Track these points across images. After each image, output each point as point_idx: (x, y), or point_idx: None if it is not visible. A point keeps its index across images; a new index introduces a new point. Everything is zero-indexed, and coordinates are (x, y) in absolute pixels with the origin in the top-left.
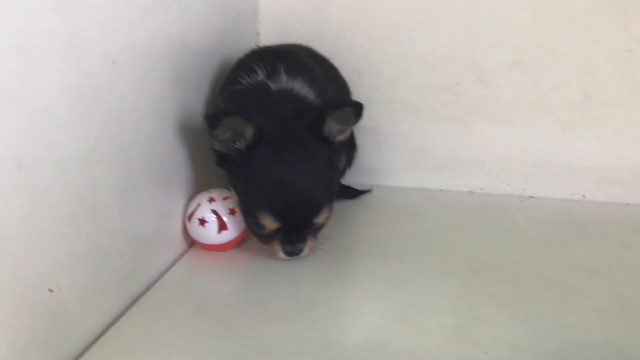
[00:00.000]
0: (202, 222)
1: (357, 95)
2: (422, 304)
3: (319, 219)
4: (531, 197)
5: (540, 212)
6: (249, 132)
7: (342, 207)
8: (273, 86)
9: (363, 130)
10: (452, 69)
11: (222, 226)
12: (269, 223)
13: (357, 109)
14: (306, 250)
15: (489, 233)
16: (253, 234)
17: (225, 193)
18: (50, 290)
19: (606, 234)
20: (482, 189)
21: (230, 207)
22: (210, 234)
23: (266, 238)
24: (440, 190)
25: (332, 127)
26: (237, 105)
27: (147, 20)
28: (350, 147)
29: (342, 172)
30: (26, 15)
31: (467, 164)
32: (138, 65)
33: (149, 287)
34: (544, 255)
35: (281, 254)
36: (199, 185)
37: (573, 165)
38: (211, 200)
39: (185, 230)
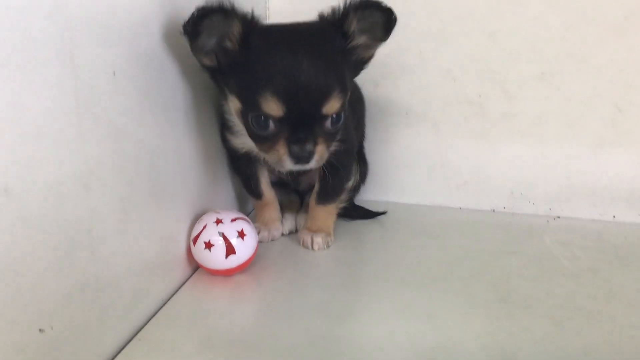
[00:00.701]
0: (209, 245)
1: (373, 107)
2: (451, 344)
3: (329, 107)
4: (558, 217)
5: (569, 234)
6: (235, 26)
7: (356, 227)
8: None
9: (378, 143)
10: (475, 80)
11: (229, 250)
12: (273, 108)
13: (389, 17)
14: (316, 157)
15: (517, 258)
16: (256, 143)
17: (234, 214)
18: (41, 331)
19: None
20: (505, 208)
21: (239, 230)
22: (216, 258)
23: (270, 141)
24: (460, 208)
25: (355, 26)
26: None
27: (151, 27)
28: (361, 162)
29: (356, 189)
30: (16, 22)
31: (489, 180)
32: (141, 75)
33: (149, 319)
34: (579, 283)
35: (287, 161)
36: (206, 202)
37: (603, 183)
38: (218, 221)
39: (189, 253)
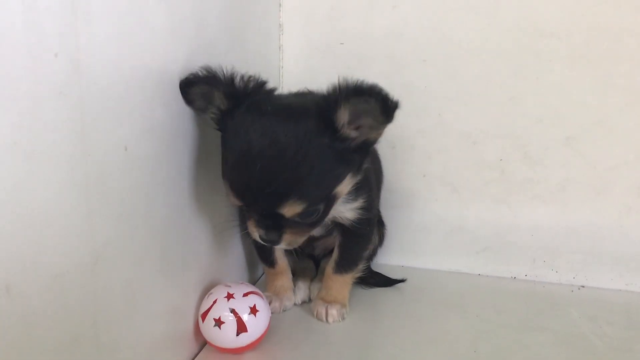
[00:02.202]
0: (219, 322)
1: (389, 169)
2: None
3: (287, 211)
4: (582, 286)
5: (595, 306)
6: (218, 97)
7: (372, 295)
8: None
9: (395, 206)
10: (495, 144)
11: (241, 328)
12: (232, 198)
13: (385, 105)
14: (285, 241)
15: (543, 335)
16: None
17: (246, 287)
18: None
19: None
20: (526, 276)
21: (252, 305)
22: (226, 336)
23: (243, 214)
24: (480, 275)
25: (346, 118)
26: None
27: (165, 97)
28: (378, 224)
29: (374, 252)
30: (25, 104)
31: (510, 247)
32: (153, 148)
33: None
34: None
35: (257, 237)
36: (215, 273)
37: (630, 253)
38: (229, 296)
39: (197, 328)
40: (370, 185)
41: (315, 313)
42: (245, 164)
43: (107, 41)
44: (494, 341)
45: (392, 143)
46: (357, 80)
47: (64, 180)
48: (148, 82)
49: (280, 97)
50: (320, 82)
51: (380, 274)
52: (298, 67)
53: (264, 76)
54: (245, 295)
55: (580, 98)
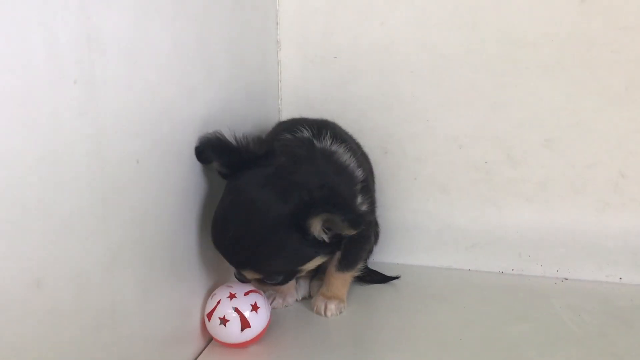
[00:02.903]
0: (224, 321)
1: (382, 172)
2: None
3: (247, 274)
4: (565, 279)
5: (576, 297)
6: (218, 166)
7: (369, 291)
8: (317, 144)
9: (389, 207)
10: (480, 147)
11: (244, 324)
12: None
13: (353, 224)
14: (255, 285)
15: (526, 323)
16: None
17: (246, 287)
18: None
19: None
20: (513, 270)
21: (253, 303)
22: (232, 333)
23: None
24: (469, 270)
25: (317, 227)
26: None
27: (172, 113)
28: (377, 227)
29: (370, 251)
30: (50, 125)
31: (497, 243)
32: (161, 160)
33: None
34: (586, 350)
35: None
36: (220, 273)
37: (609, 246)
38: (232, 296)
39: (203, 326)
40: (371, 190)
41: (315, 308)
42: (224, 226)
43: (118, 67)
44: (478, 330)
45: (384, 149)
46: (329, 194)
47: (84, 190)
48: (156, 101)
49: (277, 175)
50: (316, 93)
51: (376, 271)
52: (295, 80)
53: (261, 90)
54: (246, 294)
55: (556, 103)
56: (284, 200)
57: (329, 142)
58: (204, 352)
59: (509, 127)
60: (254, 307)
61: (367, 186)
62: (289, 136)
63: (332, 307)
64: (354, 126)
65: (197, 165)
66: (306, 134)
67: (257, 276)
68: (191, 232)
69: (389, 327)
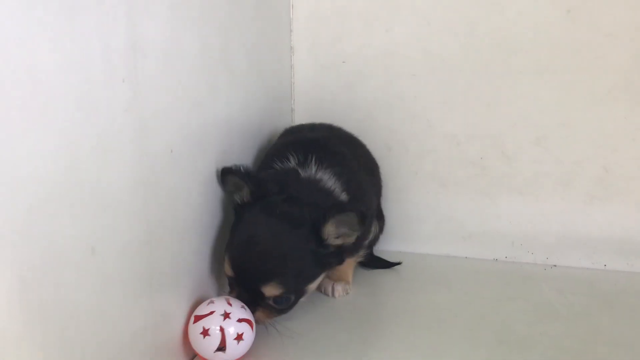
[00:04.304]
0: (205, 333)
1: (386, 168)
2: None
3: (267, 290)
4: (554, 265)
5: (564, 281)
6: (245, 191)
7: (372, 275)
8: (302, 174)
9: (392, 200)
10: (477, 144)
11: (222, 345)
12: (227, 267)
13: (362, 217)
14: (255, 316)
15: (516, 303)
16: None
17: (242, 314)
18: None
19: (628, 303)
20: (506, 258)
21: (240, 333)
22: (206, 347)
23: (230, 285)
24: (466, 258)
25: (332, 231)
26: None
27: (199, 110)
28: (380, 217)
29: (375, 241)
30: (103, 119)
31: (492, 233)
32: (191, 151)
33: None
34: (570, 326)
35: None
36: None
37: (594, 236)
38: (226, 315)
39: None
40: (366, 194)
41: (322, 289)
42: (248, 248)
43: (156, 69)
44: (472, 308)
45: (388, 146)
46: (335, 203)
47: (128, 174)
48: (186, 99)
49: (289, 201)
50: (326, 94)
51: (380, 258)
52: (307, 83)
53: (277, 92)
54: (239, 321)
55: (546, 104)
56: (301, 220)
57: (313, 170)
58: None
59: (503, 126)
60: (238, 337)
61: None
62: (276, 167)
63: (339, 288)
64: (360, 125)
65: (219, 157)
66: (292, 162)
67: (277, 291)
68: (215, 215)
69: (391, 305)
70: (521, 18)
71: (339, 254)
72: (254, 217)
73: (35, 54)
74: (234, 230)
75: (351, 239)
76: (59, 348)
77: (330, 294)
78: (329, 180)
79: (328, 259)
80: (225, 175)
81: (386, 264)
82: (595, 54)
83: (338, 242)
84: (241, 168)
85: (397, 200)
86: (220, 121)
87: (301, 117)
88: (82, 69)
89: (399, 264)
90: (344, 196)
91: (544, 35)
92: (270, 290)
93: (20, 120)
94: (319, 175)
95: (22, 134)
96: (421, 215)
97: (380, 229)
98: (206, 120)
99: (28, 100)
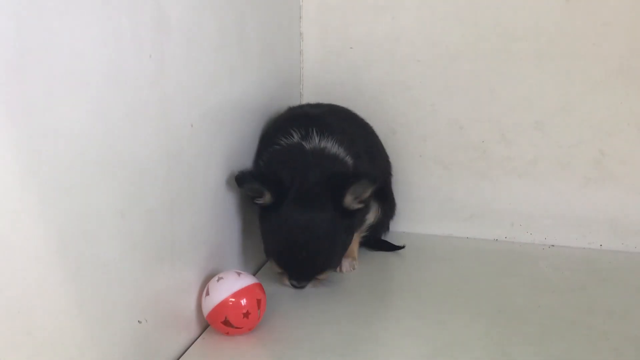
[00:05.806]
0: (207, 293)
1: (390, 150)
2: (457, 342)
3: (322, 277)
4: (552, 245)
5: (560, 259)
6: (267, 196)
7: (378, 255)
8: (307, 146)
9: (397, 182)
10: (479, 128)
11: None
12: (275, 266)
13: (371, 179)
14: (310, 285)
15: (514, 278)
16: None
17: (245, 295)
18: (139, 322)
19: (622, 280)
20: (506, 238)
21: (237, 290)
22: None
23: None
24: (468, 238)
25: (350, 200)
26: (275, 164)
27: (217, 88)
28: (389, 200)
29: (384, 225)
30: (131, 94)
31: (492, 214)
32: (209, 126)
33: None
34: (566, 299)
35: (287, 284)
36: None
37: (591, 216)
38: (219, 279)
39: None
40: (370, 157)
41: None
42: (292, 250)
43: (179, 47)
44: (473, 283)
45: (393, 129)
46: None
47: (154, 145)
48: (204, 77)
49: (307, 191)
50: (333, 79)
51: (386, 241)
52: (315, 68)
53: (287, 75)
54: (247, 289)
55: (546, 89)
56: (324, 201)
57: (316, 141)
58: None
59: (504, 111)
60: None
61: (363, 162)
62: (282, 142)
63: (346, 263)
64: (367, 109)
65: (236, 133)
66: (296, 137)
67: (327, 274)
68: (230, 189)
69: (397, 280)
70: (522, 6)
71: (361, 215)
72: (285, 219)
73: (74, 29)
74: (269, 232)
75: (367, 194)
76: (92, 302)
77: (337, 269)
78: (332, 147)
79: (354, 224)
80: (242, 184)
81: (391, 247)
82: (592, 41)
83: (359, 205)
84: (254, 174)
85: (401, 182)
86: (235, 100)
87: (309, 100)
88: (114, 42)
89: (402, 247)
90: (349, 159)
91: (544, 23)
92: (322, 275)
93: (60, 87)
94: (323, 144)
95: (61, 101)
96: (424, 197)
97: (391, 214)
98: (223, 98)
99: (68, 70)
